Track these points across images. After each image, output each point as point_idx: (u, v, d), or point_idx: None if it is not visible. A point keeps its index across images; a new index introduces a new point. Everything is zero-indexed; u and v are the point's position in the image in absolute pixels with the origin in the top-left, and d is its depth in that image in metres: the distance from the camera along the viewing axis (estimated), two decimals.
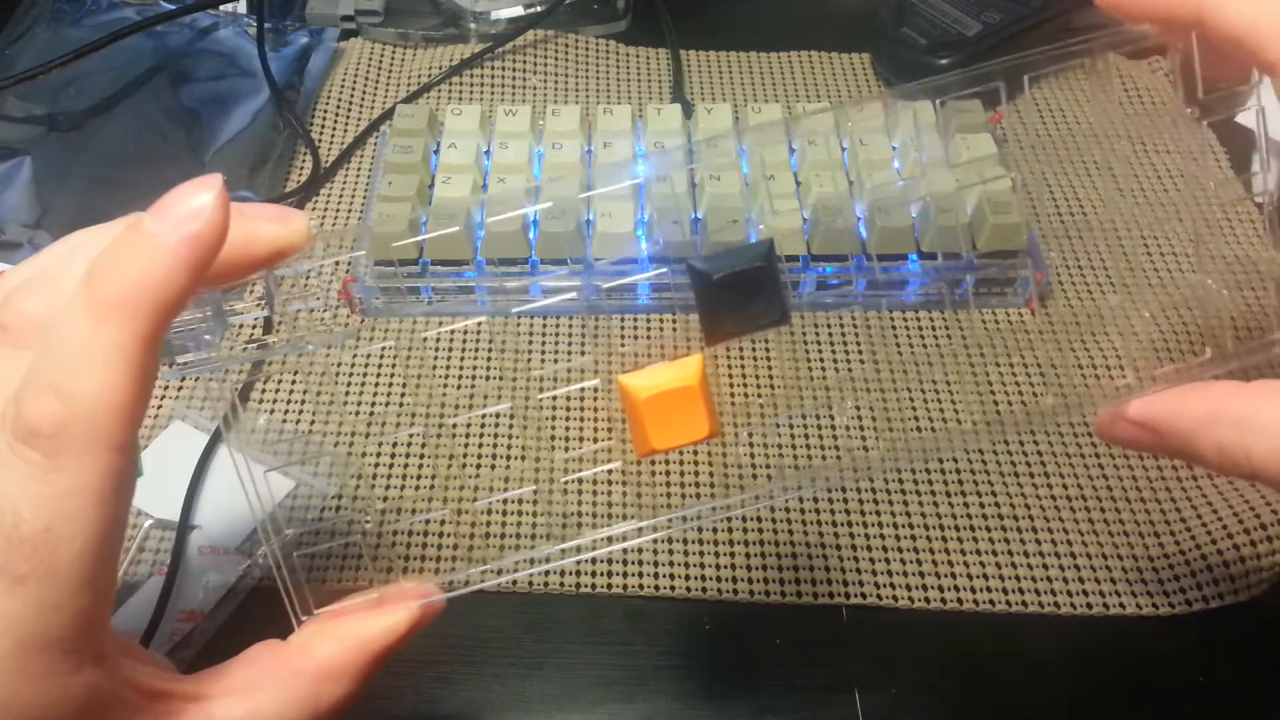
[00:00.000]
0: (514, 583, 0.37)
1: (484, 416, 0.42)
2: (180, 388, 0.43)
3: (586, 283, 0.44)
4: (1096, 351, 0.44)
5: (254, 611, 0.37)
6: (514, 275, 0.44)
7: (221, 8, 0.56)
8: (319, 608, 0.25)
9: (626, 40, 0.58)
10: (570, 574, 0.38)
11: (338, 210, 0.50)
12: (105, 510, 0.20)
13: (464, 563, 0.38)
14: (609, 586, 0.38)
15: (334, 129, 0.53)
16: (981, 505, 0.40)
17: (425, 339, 0.44)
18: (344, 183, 0.51)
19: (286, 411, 0.42)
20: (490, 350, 0.44)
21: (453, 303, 0.45)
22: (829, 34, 0.59)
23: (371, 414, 0.42)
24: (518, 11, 0.58)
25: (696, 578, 0.38)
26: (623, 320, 0.46)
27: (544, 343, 0.45)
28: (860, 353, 0.44)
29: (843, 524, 0.39)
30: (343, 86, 0.54)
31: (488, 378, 0.44)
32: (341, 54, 0.56)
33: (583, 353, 0.45)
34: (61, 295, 0.21)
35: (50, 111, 0.50)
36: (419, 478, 0.40)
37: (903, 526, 0.39)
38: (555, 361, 0.44)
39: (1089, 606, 0.37)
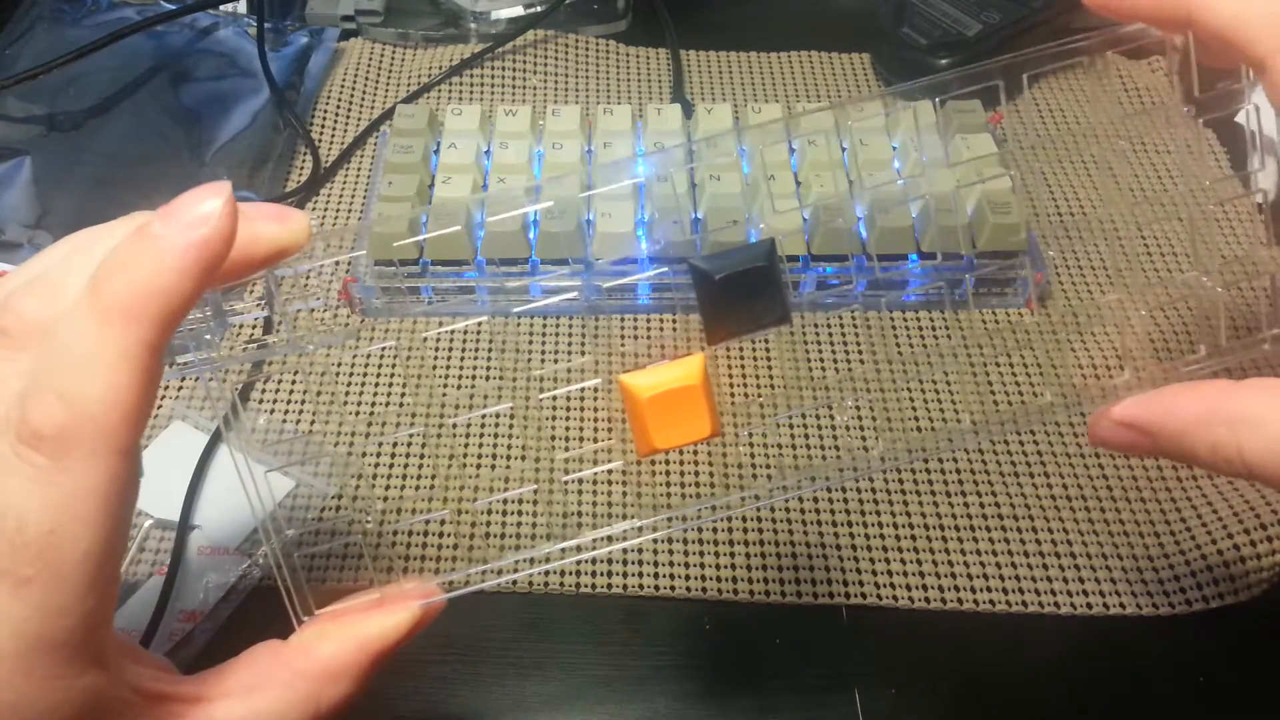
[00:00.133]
0: (514, 583, 0.37)
1: (484, 416, 0.42)
2: (180, 388, 0.43)
3: (587, 283, 0.44)
4: (1095, 350, 0.44)
5: (254, 611, 0.37)
6: (514, 275, 0.44)
7: (221, 8, 0.56)
8: (319, 608, 0.25)
9: (626, 40, 0.58)
10: (570, 574, 0.38)
11: (338, 210, 0.50)
12: (109, 514, 0.20)
13: (464, 562, 0.38)
14: (609, 586, 0.38)
15: (334, 129, 0.53)
16: (981, 505, 0.40)
17: (425, 339, 0.44)
18: (344, 183, 0.51)
19: (286, 411, 0.42)
20: (490, 350, 0.44)
21: (453, 303, 0.45)
22: (829, 34, 0.59)
23: (372, 414, 0.42)
24: (518, 11, 0.58)
25: (696, 578, 0.38)
26: (623, 320, 0.46)
27: (544, 343, 0.45)
28: (860, 352, 0.45)
29: (843, 524, 0.39)
30: (343, 86, 0.54)
31: (488, 378, 0.44)
32: (341, 54, 0.56)
33: (583, 352, 0.45)
34: (62, 298, 0.21)
35: (50, 111, 0.50)
36: (419, 478, 0.40)
37: (903, 526, 0.39)
38: (556, 361, 0.44)
39: (1089, 606, 0.37)
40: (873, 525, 0.39)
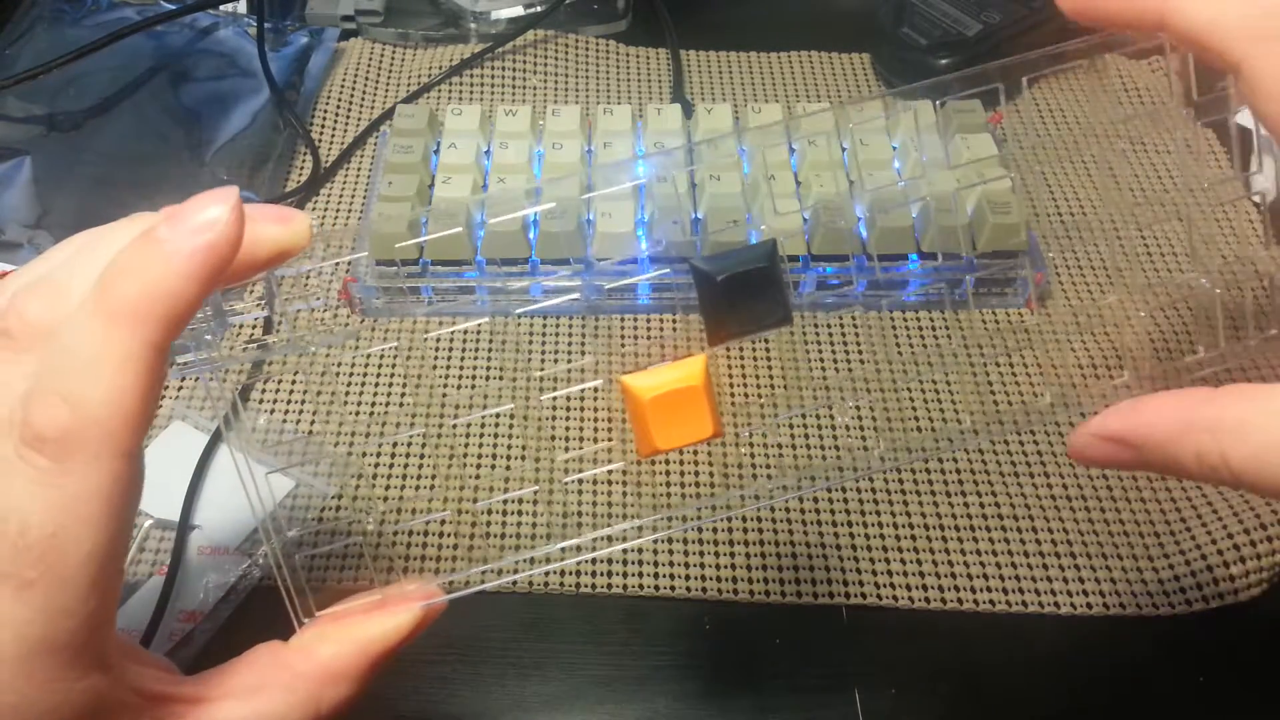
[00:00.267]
0: (514, 583, 0.37)
1: (485, 417, 0.42)
2: (180, 388, 0.43)
3: (587, 283, 0.44)
4: (1095, 350, 0.44)
5: (254, 611, 0.37)
6: (514, 275, 0.44)
7: (221, 8, 0.56)
8: (320, 609, 0.25)
9: (626, 40, 0.58)
10: (570, 574, 0.38)
11: (338, 210, 0.50)
12: (112, 516, 0.20)
13: (465, 563, 0.38)
14: (609, 586, 0.38)
15: (334, 129, 0.53)
16: (981, 505, 0.40)
17: (426, 339, 0.44)
18: (344, 183, 0.51)
19: (286, 411, 0.42)
20: (491, 350, 0.44)
21: (453, 303, 0.45)
22: (829, 34, 0.59)
23: (372, 414, 0.42)
24: (518, 11, 0.58)
25: (696, 578, 0.38)
26: (624, 320, 0.46)
27: (545, 343, 0.45)
28: (860, 353, 0.45)
29: (843, 524, 0.39)
30: (343, 86, 0.54)
31: (489, 378, 0.44)
32: (341, 54, 0.56)
33: (584, 353, 0.45)
34: (66, 300, 0.21)
35: (50, 111, 0.50)
36: (420, 478, 0.40)
37: (903, 526, 0.39)
38: (556, 362, 0.44)
39: (1089, 606, 0.37)
40: (873, 525, 0.39)
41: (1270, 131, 0.23)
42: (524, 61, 0.56)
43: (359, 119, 0.53)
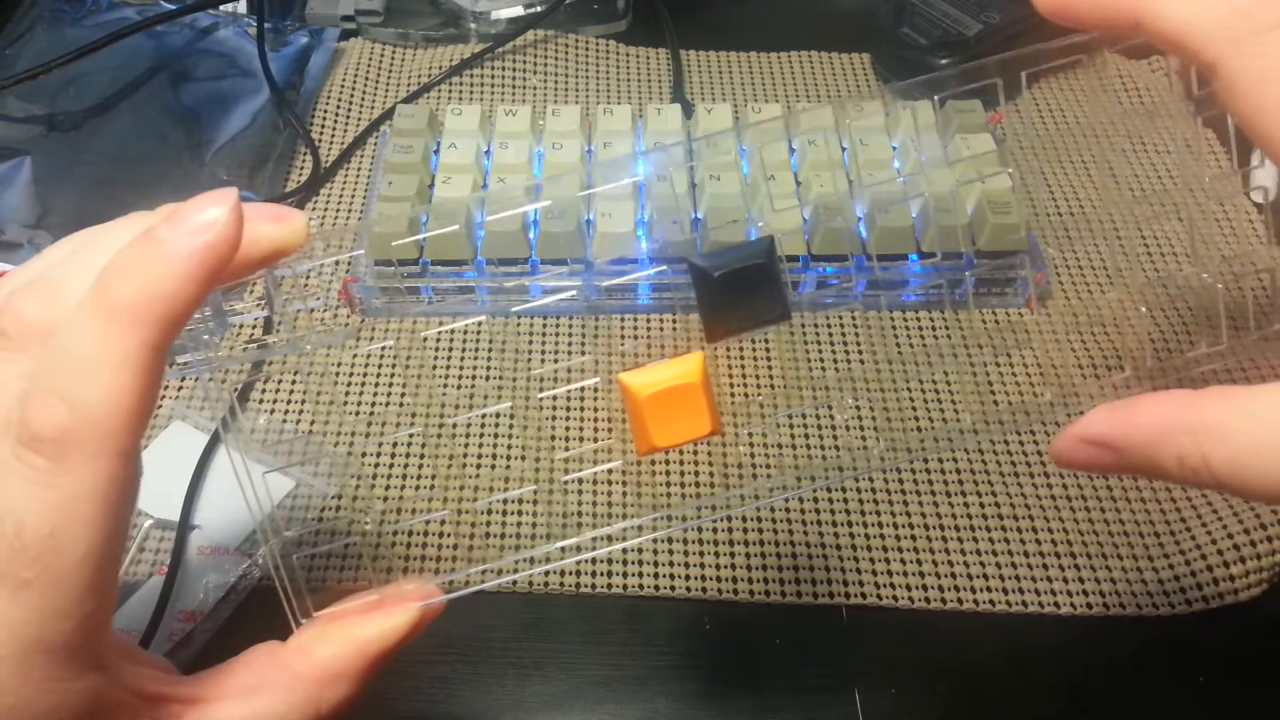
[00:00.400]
0: (514, 583, 0.37)
1: (484, 416, 0.42)
2: (180, 388, 0.43)
3: (586, 282, 0.44)
4: (1095, 349, 0.44)
5: (254, 611, 0.37)
6: (514, 275, 0.44)
7: (221, 8, 0.56)
8: (318, 609, 0.25)
9: (626, 40, 0.58)
10: (570, 574, 0.38)
11: (338, 210, 0.50)
12: (109, 517, 0.20)
13: (464, 563, 0.38)
14: (609, 586, 0.38)
15: (334, 129, 0.53)
16: (981, 505, 0.40)
17: (425, 339, 0.44)
18: (344, 183, 0.51)
19: (286, 411, 0.42)
20: (490, 350, 0.44)
21: (453, 303, 0.45)
22: (829, 34, 0.59)
23: (371, 414, 0.42)
24: (518, 11, 0.58)
25: (696, 578, 0.38)
26: (623, 320, 0.46)
27: (544, 343, 0.45)
28: (860, 352, 0.44)
29: (843, 524, 0.39)
30: (343, 86, 0.54)
31: (488, 378, 0.44)
32: (341, 54, 0.56)
33: (583, 352, 0.45)
34: (62, 300, 0.21)
35: (50, 111, 0.50)
36: (419, 478, 0.40)
37: (903, 526, 0.39)
38: (555, 361, 0.44)
39: (1089, 606, 0.37)
40: (873, 525, 0.39)
41: (1247, 132, 0.23)
42: (524, 61, 0.56)
43: (359, 119, 0.53)
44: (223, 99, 0.52)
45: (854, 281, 0.45)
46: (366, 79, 0.55)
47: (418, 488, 0.40)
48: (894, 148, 0.47)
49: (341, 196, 0.50)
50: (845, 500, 0.40)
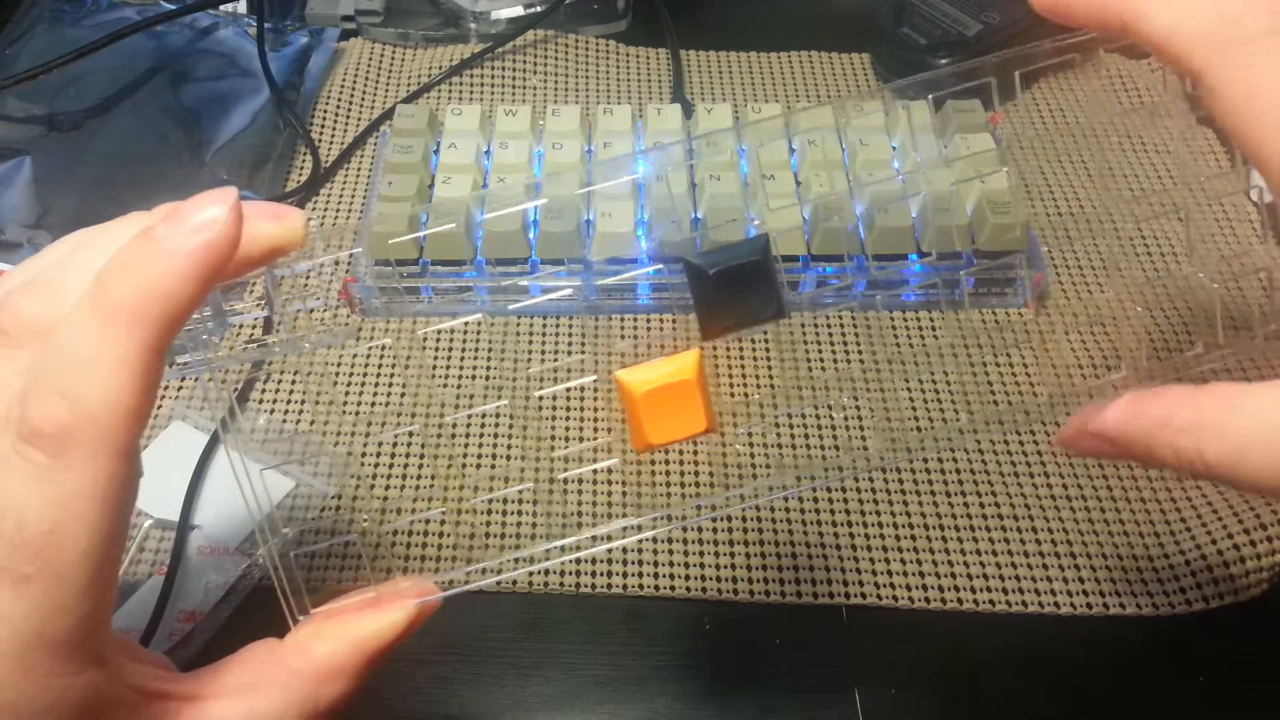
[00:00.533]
0: (514, 583, 0.37)
1: (483, 415, 0.42)
2: (180, 388, 0.43)
3: (586, 283, 0.44)
4: (1095, 348, 0.44)
5: (254, 611, 0.37)
6: (514, 275, 0.44)
7: (221, 8, 0.56)
8: (315, 607, 0.25)
9: (626, 40, 0.58)
10: (570, 574, 0.38)
11: (338, 210, 0.50)
12: (109, 513, 0.20)
13: (461, 562, 0.38)
14: (609, 586, 0.38)
15: (334, 129, 0.53)
16: (981, 505, 0.40)
17: (425, 336, 0.44)
18: (344, 183, 0.51)
19: (286, 411, 0.42)
20: (490, 351, 0.44)
21: (452, 302, 0.45)
22: (829, 34, 0.59)
23: (371, 414, 0.42)
24: (518, 11, 0.58)
25: (696, 578, 0.38)
26: (622, 320, 0.46)
27: (544, 343, 0.45)
28: (860, 352, 0.45)
29: (843, 524, 0.39)
30: (343, 86, 0.54)
31: (487, 377, 0.44)
32: (341, 54, 0.56)
33: (583, 351, 0.45)
34: (60, 298, 0.21)
35: (50, 111, 0.50)
36: (418, 477, 0.40)
37: (903, 526, 0.39)
38: (555, 360, 0.44)
39: (1089, 606, 0.37)
40: (873, 525, 0.39)
41: (1232, 139, 0.23)
42: (524, 61, 0.56)
43: (359, 119, 0.53)
44: (223, 99, 0.52)
45: (853, 281, 0.45)
46: (366, 79, 0.55)
47: (417, 486, 0.40)
48: (894, 147, 0.47)
49: (341, 196, 0.50)
50: (845, 500, 0.40)
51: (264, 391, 0.43)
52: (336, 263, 0.44)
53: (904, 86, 0.27)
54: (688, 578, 0.38)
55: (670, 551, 0.38)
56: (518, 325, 0.45)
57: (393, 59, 0.56)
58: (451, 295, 0.44)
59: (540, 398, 0.42)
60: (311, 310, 0.27)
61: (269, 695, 0.23)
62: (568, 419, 0.42)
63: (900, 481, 0.40)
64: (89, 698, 0.21)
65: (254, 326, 0.41)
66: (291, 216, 0.23)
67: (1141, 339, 0.28)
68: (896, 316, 0.46)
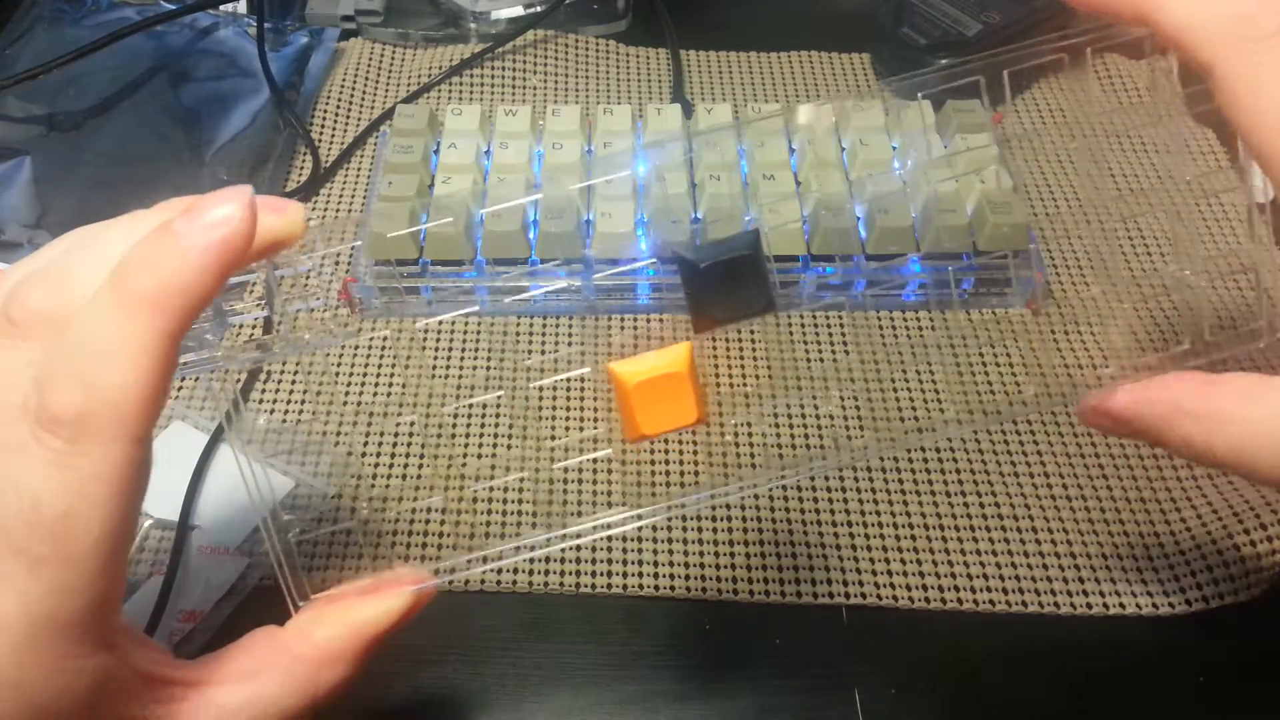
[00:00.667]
0: (514, 582, 0.37)
1: (482, 406, 0.42)
2: (180, 388, 0.43)
3: (586, 282, 0.44)
4: (1094, 347, 0.44)
5: (254, 611, 0.37)
6: (514, 275, 0.44)
7: (221, 8, 0.56)
8: (315, 593, 0.25)
9: (626, 40, 0.58)
10: (570, 574, 0.38)
11: (338, 210, 0.50)
12: (123, 498, 0.21)
13: (464, 550, 0.38)
14: (609, 586, 0.38)
15: (334, 129, 0.53)
16: (981, 505, 0.40)
17: (425, 331, 0.44)
18: (344, 183, 0.51)
19: (286, 411, 0.42)
20: (490, 351, 0.44)
21: (453, 303, 0.45)
22: (829, 34, 0.59)
23: (372, 411, 0.42)
24: (518, 11, 0.58)
25: (696, 578, 0.38)
26: (622, 320, 0.46)
27: (544, 344, 0.45)
28: (860, 351, 0.45)
29: (843, 524, 0.39)
30: (343, 86, 0.54)
31: (488, 368, 0.44)
32: (341, 54, 0.56)
33: (581, 344, 0.45)
34: (68, 290, 0.22)
35: (50, 111, 0.50)
36: (419, 467, 0.40)
37: (903, 526, 0.39)
38: (556, 362, 0.44)
39: (1089, 606, 0.37)
40: (873, 525, 0.39)
41: (1240, 135, 0.23)
42: (524, 61, 0.56)
43: (359, 119, 0.53)
44: (223, 99, 0.52)
45: (853, 282, 0.45)
46: (366, 79, 0.55)
47: (419, 475, 0.40)
48: (894, 147, 0.47)
49: (341, 196, 0.50)
50: (845, 500, 0.40)
51: (264, 391, 0.43)
52: (336, 262, 0.44)
53: (897, 86, 0.27)
54: (688, 578, 0.38)
55: (670, 551, 0.38)
56: (517, 325, 0.45)
57: (393, 59, 0.56)
58: (451, 295, 0.44)
59: (539, 389, 0.42)
60: (312, 310, 0.27)
61: (270, 680, 0.24)
62: (566, 410, 0.42)
63: (900, 481, 0.40)
64: (98, 680, 0.21)
65: (254, 326, 0.41)
66: (291, 209, 0.24)
67: (1141, 338, 0.28)
68: (896, 316, 0.46)
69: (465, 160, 0.47)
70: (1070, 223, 0.50)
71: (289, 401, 0.43)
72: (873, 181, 0.45)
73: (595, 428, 0.41)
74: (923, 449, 0.41)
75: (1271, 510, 0.38)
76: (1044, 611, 0.37)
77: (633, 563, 0.38)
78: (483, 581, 0.38)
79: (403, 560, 0.38)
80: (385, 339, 0.44)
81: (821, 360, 0.44)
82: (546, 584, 0.38)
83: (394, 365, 0.44)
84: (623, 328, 0.45)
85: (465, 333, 0.45)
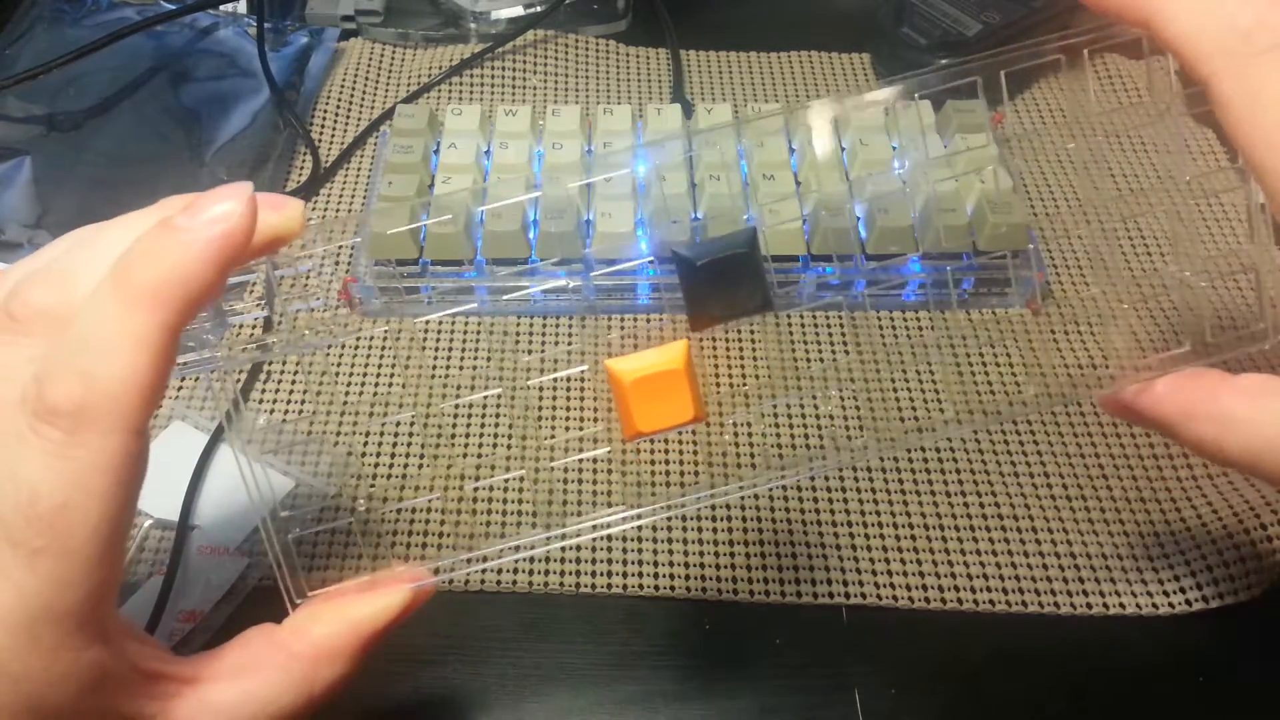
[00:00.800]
0: (514, 582, 0.37)
1: (483, 402, 0.42)
2: (180, 387, 0.43)
3: (586, 282, 0.44)
4: (1094, 347, 0.44)
5: (254, 612, 0.37)
6: (513, 275, 0.44)
7: (221, 8, 0.56)
8: (313, 591, 0.25)
9: (626, 40, 0.58)
10: (570, 574, 0.38)
11: (338, 210, 0.50)
12: (120, 490, 0.21)
13: (462, 549, 0.38)
14: (609, 586, 0.38)
15: (334, 129, 0.53)
16: (981, 505, 0.40)
17: (425, 329, 0.44)
18: (344, 183, 0.51)
19: (286, 411, 0.42)
20: (489, 351, 0.44)
21: (453, 303, 0.45)
22: (829, 34, 0.59)
23: (371, 410, 0.42)
24: (518, 11, 0.58)
25: (696, 578, 0.38)
26: (622, 320, 0.46)
27: (543, 343, 0.45)
28: (860, 351, 0.44)
29: (843, 524, 0.39)
30: (343, 86, 0.54)
31: (488, 362, 0.44)
32: (341, 54, 0.56)
33: (583, 353, 0.45)
34: (69, 287, 0.22)
35: (50, 111, 0.50)
36: (420, 466, 0.40)
37: (903, 526, 0.39)
38: (556, 361, 0.44)
39: (1089, 606, 0.37)
40: (873, 525, 0.39)
41: (1236, 148, 0.24)
42: (524, 61, 0.56)
43: (359, 119, 0.53)
44: (223, 99, 0.52)
45: (853, 282, 0.45)
46: (366, 79, 0.55)
47: (419, 472, 0.40)
48: (894, 147, 0.47)
49: (341, 196, 0.50)
50: (845, 500, 0.40)
51: (264, 391, 0.43)
52: (336, 262, 0.44)
53: (895, 84, 0.27)
54: (688, 578, 0.38)
55: (670, 551, 0.38)
56: (516, 325, 0.45)
57: (393, 59, 0.56)
58: (452, 295, 0.44)
59: (539, 388, 0.42)
60: (312, 310, 0.27)
61: (266, 677, 0.24)
62: (566, 410, 0.42)
63: (900, 481, 0.40)
64: (94, 673, 0.21)
65: (254, 326, 0.41)
66: (291, 206, 0.24)
67: (1141, 339, 0.28)
68: (896, 316, 0.46)
69: (465, 160, 0.47)
70: (1070, 223, 0.50)
71: (289, 401, 0.43)
72: (873, 181, 0.45)
73: (595, 426, 0.41)
74: (923, 449, 0.41)
75: (1272, 510, 0.38)
76: (1044, 611, 0.37)
77: (633, 563, 0.38)
78: (483, 581, 0.38)
79: (401, 560, 0.38)
80: (385, 339, 0.44)
81: (821, 360, 0.44)
82: (546, 584, 0.38)
83: (393, 365, 0.44)
84: (622, 327, 0.45)
85: (465, 332, 0.45)
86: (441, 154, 0.47)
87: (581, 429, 0.42)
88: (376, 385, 0.43)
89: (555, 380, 0.43)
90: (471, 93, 0.55)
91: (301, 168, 0.51)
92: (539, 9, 0.57)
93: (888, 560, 0.38)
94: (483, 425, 0.42)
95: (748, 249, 0.25)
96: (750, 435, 0.41)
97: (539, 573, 0.38)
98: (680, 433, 0.26)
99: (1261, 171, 0.23)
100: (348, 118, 0.53)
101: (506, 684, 0.36)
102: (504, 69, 0.56)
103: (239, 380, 0.43)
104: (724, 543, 0.39)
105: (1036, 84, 0.55)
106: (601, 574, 0.38)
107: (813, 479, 0.40)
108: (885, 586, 0.38)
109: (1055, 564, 0.38)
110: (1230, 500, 0.39)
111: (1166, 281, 0.29)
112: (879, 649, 0.37)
